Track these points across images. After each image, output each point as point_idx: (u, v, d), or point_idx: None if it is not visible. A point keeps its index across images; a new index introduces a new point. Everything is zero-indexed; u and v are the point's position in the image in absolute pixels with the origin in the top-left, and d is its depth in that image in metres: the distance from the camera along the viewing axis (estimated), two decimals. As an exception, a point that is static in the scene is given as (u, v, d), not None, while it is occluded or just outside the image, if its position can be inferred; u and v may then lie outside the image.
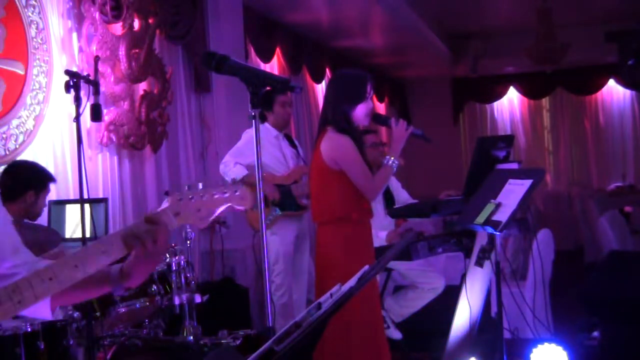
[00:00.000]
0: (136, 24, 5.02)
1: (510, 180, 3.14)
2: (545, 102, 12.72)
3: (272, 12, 7.24)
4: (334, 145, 3.34)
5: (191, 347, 3.26)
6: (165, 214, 1.67)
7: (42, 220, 3.81)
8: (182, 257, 3.39)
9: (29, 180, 3.45)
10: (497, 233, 3.04)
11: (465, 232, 3.78)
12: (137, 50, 4.99)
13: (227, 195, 1.72)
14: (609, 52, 9.78)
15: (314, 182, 3.50)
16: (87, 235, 2.95)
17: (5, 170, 3.56)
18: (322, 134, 3.40)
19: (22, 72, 4.12)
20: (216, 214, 1.72)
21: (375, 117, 3.47)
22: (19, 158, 4.07)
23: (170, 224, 1.68)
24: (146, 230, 1.66)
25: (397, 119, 3.44)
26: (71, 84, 3.06)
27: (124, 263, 1.72)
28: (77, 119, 3.05)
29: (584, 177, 12.44)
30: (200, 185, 1.72)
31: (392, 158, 3.37)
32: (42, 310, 1.72)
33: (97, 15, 4.65)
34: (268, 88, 3.27)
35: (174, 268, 3.33)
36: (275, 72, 7.53)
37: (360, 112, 3.36)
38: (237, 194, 1.73)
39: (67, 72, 3.12)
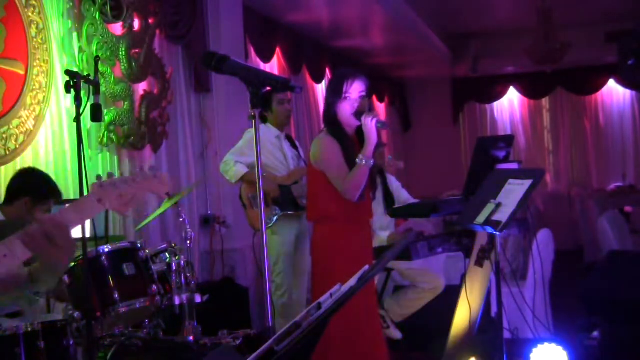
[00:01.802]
0: (136, 24, 5.02)
1: (510, 180, 3.13)
2: (545, 102, 12.71)
3: (272, 12, 7.24)
4: (315, 146, 3.39)
5: (191, 347, 3.26)
6: (89, 200, 1.69)
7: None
8: (182, 257, 3.39)
9: (28, 186, 3.43)
10: (497, 233, 3.04)
11: (465, 232, 3.78)
12: (137, 50, 4.99)
13: (146, 180, 1.77)
14: (609, 52, 9.77)
15: (307, 183, 3.54)
16: (87, 235, 2.95)
17: (15, 173, 3.57)
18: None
19: (22, 72, 4.12)
20: (139, 199, 1.76)
21: (356, 115, 3.37)
22: (19, 158, 4.07)
23: (94, 211, 1.69)
24: (41, 232, 1.63)
25: (367, 115, 3.30)
26: (71, 84, 3.06)
27: (32, 267, 1.70)
28: (77, 119, 3.05)
29: (584, 177, 12.42)
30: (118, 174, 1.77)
31: (362, 157, 3.27)
32: None
33: (97, 15, 4.65)
34: (268, 88, 3.27)
35: (174, 268, 3.34)
36: (275, 72, 7.53)
37: (344, 111, 3.34)
38: (155, 178, 1.78)
39: (67, 72, 3.12)
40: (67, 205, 1.75)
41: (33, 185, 3.42)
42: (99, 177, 1.76)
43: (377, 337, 3.44)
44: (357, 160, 3.28)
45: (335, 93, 3.35)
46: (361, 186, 3.30)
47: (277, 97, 4.72)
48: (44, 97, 4.24)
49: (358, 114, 3.34)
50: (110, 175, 1.76)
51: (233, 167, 4.65)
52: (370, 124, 3.27)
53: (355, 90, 3.34)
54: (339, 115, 3.35)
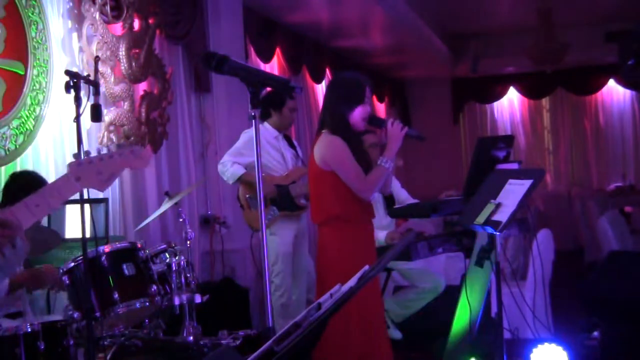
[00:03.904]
0: (136, 24, 5.02)
1: (510, 181, 3.13)
2: (545, 102, 12.71)
3: (272, 12, 7.24)
4: (324, 146, 3.38)
5: (191, 347, 3.26)
6: (68, 179, 1.69)
7: (42, 220, 3.81)
8: (182, 257, 3.39)
9: (11, 193, 3.38)
10: (497, 233, 3.04)
11: (465, 232, 3.78)
12: (137, 50, 4.99)
13: (124, 156, 1.76)
14: (609, 52, 9.77)
15: (311, 185, 3.53)
16: (87, 235, 2.94)
17: (9, 176, 3.56)
18: (317, 137, 3.44)
19: (22, 72, 4.12)
20: (117, 175, 1.75)
21: (371, 120, 3.49)
22: (19, 158, 4.07)
23: (73, 190, 1.68)
24: (1, 234, 1.61)
25: (393, 121, 3.45)
26: (71, 84, 3.05)
27: None
28: (77, 119, 3.04)
29: (584, 177, 12.43)
30: (97, 151, 1.76)
31: (386, 158, 3.37)
32: None
33: (97, 15, 4.65)
34: (268, 89, 3.28)
35: (174, 268, 3.33)
36: (275, 72, 7.53)
37: (357, 115, 3.39)
38: (134, 153, 1.77)
39: (67, 72, 3.11)
40: (43, 187, 1.73)
41: (19, 194, 3.38)
42: (76, 154, 1.75)
43: (381, 337, 3.49)
44: (379, 161, 3.38)
45: (356, 98, 3.40)
46: (379, 186, 3.39)
47: (290, 103, 4.72)
48: (44, 97, 4.24)
49: (374, 119, 3.48)
50: (87, 153, 1.75)
51: (230, 168, 4.66)
52: (398, 130, 3.39)
53: (370, 96, 3.45)
54: (350, 119, 3.38)
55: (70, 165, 1.72)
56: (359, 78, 3.48)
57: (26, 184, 3.49)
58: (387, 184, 3.55)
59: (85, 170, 1.71)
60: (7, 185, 3.49)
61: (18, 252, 1.63)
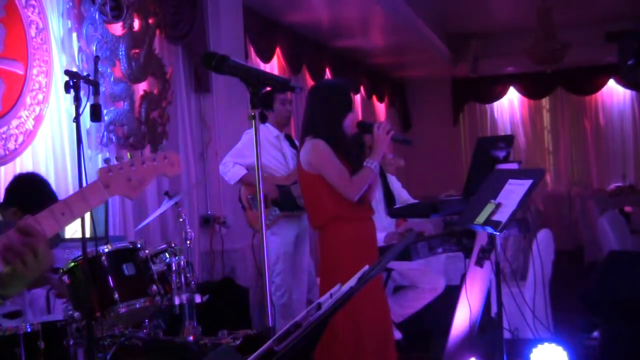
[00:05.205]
0: (136, 24, 5.02)
1: (510, 181, 3.14)
2: (545, 102, 12.71)
3: (272, 12, 7.24)
4: (308, 150, 3.42)
5: (191, 347, 3.26)
6: (97, 187, 1.63)
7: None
8: (182, 257, 3.38)
9: (17, 196, 3.37)
10: (497, 233, 3.04)
11: (465, 232, 3.78)
12: (137, 50, 4.99)
13: (156, 162, 1.71)
14: (609, 52, 9.77)
15: (304, 192, 3.54)
16: (87, 235, 2.94)
17: (13, 177, 3.55)
18: (301, 145, 3.47)
19: (22, 72, 4.12)
20: (149, 182, 1.70)
21: (359, 125, 3.53)
22: (18, 158, 4.07)
23: (101, 198, 1.63)
24: (23, 243, 1.56)
25: (379, 124, 3.47)
26: (71, 84, 3.05)
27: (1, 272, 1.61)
28: (77, 119, 3.04)
29: (584, 177, 12.43)
30: (128, 156, 1.70)
31: (371, 160, 3.40)
32: None
33: (97, 15, 4.65)
34: (268, 88, 3.29)
35: (174, 268, 3.33)
36: (275, 72, 7.53)
37: (349, 121, 3.44)
38: (166, 160, 1.72)
39: (67, 72, 3.11)
40: (71, 195, 1.69)
41: (21, 196, 3.36)
42: (107, 160, 1.69)
43: (388, 339, 3.49)
44: (365, 163, 3.39)
45: (347, 105, 3.45)
46: (364, 188, 3.39)
47: (279, 97, 4.72)
48: (44, 97, 4.24)
49: (363, 125, 3.50)
50: (118, 159, 1.70)
51: (232, 168, 4.66)
52: (384, 134, 3.41)
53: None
54: (344, 125, 3.41)
55: (100, 171, 1.66)
56: (345, 84, 3.54)
57: (29, 186, 3.48)
58: (372, 188, 3.54)
59: (116, 177, 1.65)
60: (10, 186, 3.48)
61: (40, 262, 1.58)
